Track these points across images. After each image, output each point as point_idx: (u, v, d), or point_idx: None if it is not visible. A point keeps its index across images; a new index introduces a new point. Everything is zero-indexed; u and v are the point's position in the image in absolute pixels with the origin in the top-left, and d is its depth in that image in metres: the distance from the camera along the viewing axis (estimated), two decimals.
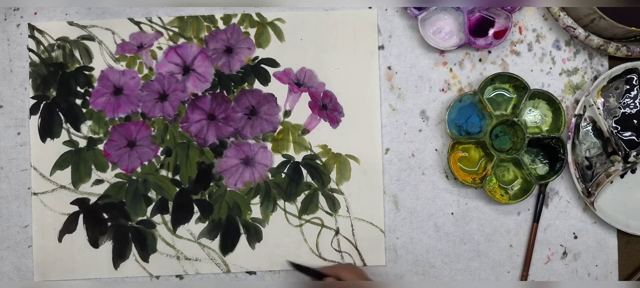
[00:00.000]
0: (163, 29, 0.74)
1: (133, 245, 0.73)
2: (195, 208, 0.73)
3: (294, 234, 0.73)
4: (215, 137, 0.73)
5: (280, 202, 0.73)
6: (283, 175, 0.73)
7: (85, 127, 0.73)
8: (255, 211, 0.73)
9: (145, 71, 0.74)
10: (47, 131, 0.73)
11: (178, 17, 0.74)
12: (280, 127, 0.74)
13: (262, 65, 0.74)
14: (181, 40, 0.74)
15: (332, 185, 0.73)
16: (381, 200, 0.73)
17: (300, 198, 0.73)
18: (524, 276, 0.73)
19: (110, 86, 0.73)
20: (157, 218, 0.73)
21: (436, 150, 0.74)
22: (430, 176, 0.74)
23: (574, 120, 0.72)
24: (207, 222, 0.73)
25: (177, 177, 0.73)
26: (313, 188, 0.73)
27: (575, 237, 0.74)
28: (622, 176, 0.74)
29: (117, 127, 0.73)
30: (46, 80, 0.73)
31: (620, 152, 0.72)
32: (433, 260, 0.74)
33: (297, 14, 0.74)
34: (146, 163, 0.73)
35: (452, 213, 0.74)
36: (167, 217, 0.73)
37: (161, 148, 0.73)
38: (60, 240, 0.73)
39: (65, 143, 0.73)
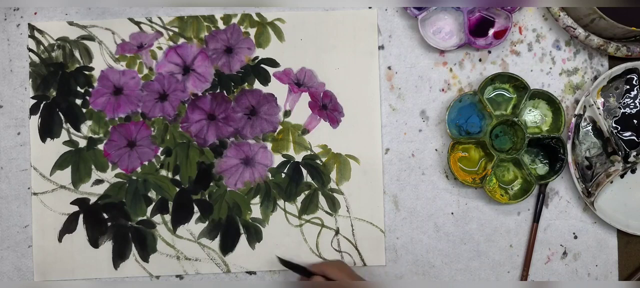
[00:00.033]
0: (163, 29, 0.74)
1: (133, 245, 0.73)
2: (195, 208, 0.73)
3: (294, 234, 0.73)
4: (215, 137, 0.73)
5: (280, 202, 0.73)
6: (283, 175, 0.73)
7: (85, 127, 0.73)
8: (255, 211, 0.73)
9: (145, 71, 0.74)
10: (47, 131, 0.73)
11: (178, 17, 0.74)
12: (280, 127, 0.74)
13: (262, 65, 0.74)
14: (181, 40, 0.74)
15: (332, 185, 0.73)
16: (381, 200, 0.73)
17: (300, 198, 0.73)
18: (524, 276, 0.73)
19: (110, 86, 0.73)
20: (157, 218, 0.73)
21: (436, 150, 0.74)
22: (430, 176, 0.74)
23: (574, 120, 0.72)
24: (207, 222, 0.73)
25: (177, 177, 0.73)
26: (313, 188, 0.73)
27: (575, 237, 0.74)
28: (622, 176, 0.74)
29: (117, 127, 0.73)
30: (46, 80, 0.73)
31: (620, 152, 0.72)
32: (433, 260, 0.74)
33: (297, 14, 0.74)
34: (146, 163, 0.73)
35: (452, 213, 0.74)
36: (167, 217, 0.73)
37: (161, 148, 0.73)
38: (60, 240, 0.73)
39: (65, 143, 0.73)
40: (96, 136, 0.73)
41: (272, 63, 0.74)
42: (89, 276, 0.73)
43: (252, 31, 0.74)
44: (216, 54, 0.74)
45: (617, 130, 0.73)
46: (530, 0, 0.72)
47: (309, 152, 0.73)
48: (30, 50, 0.73)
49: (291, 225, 0.73)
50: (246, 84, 0.74)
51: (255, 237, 0.73)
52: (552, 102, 0.72)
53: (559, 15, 0.71)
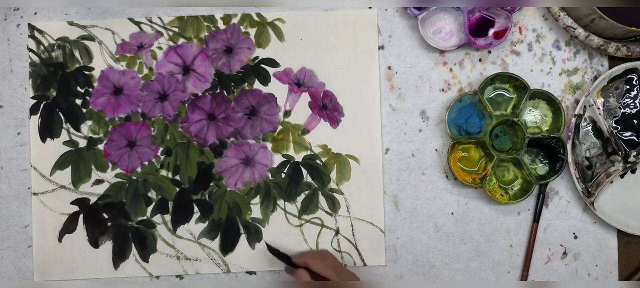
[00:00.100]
0: (163, 29, 0.74)
1: (133, 245, 0.73)
2: (195, 208, 0.73)
3: (294, 234, 0.73)
4: (215, 137, 0.73)
5: (280, 202, 0.73)
6: (283, 175, 0.73)
7: (85, 127, 0.73)
8: (255, 211, 0.73)
9: (145, 71, 0.74)
10: (47, 131, 0.73)
11: (178, 17, 0.74)
12: (280, 127, 0.74)
13: (262, 65, 0.74)
14: (181, 40, 0.74)
15: (332, 185, 0.73)
16: (381, 200, 0.73)
17: (300, 199, 0.73)
18: (524, 276, 0.73)
19: (110, 86, 0.73)
20: (157, 218, 0.73)
21: (436, 150, 0.74)
22: (430, 176, 0.74)
23: (574, 120, 0.72)
24: (207, 222, 0.73)
25: (177, 177, 0.73)
26: (313, 188, 0.73)
27: (575, 237, 0.74)
28: (622, 176, 0.74)
29: (117, 127, 0.73)
30: (46, 80, 0.73)
31: (620, 152, 0.72)
32: (433, 260, 0.74)
33: (297, 14, 0.74)
34: (146, 163, 0.73)
35: (452, 213, 0.74)
36: (167, 217, 0.73)
37: (161, 149, 0.73)
38: (60, 240, 0.73)
39: (65, 143, 0.73)
40: (96, 136, 0.73)
41: (272, 63, 0.74)
42: (89, 276, 0.73)
43: (252, 31, 0.74)
44: (216, 54, 0.74)
45: (617, 130, 0.73)
46: (530, 0, 0.72)
47: (309, 152, 0.73)
48: (30, 50, 0.73)
49: (291, 225, 0.73)
50: (246, 84, 0.74)
51: (255, 237, 0.73)
52: (552, 102, 0.72)
53: (559, 15, 0.71)
